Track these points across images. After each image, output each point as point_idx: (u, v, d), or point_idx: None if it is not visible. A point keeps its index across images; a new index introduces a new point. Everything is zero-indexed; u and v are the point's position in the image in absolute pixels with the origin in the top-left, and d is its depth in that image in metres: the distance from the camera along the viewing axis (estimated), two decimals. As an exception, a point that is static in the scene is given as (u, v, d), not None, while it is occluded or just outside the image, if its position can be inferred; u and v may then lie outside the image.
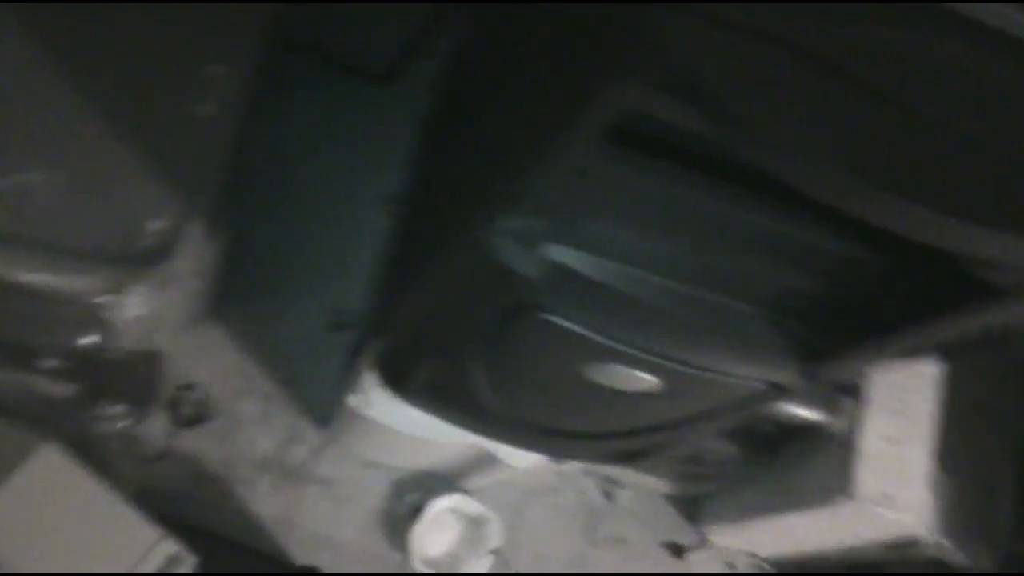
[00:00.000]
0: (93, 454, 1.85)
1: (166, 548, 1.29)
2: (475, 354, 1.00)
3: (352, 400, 1.57)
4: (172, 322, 1.44)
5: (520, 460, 1.68)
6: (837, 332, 0.84)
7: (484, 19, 1.46)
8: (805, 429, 1.69)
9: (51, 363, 1.64)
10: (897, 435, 1.64)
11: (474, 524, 1.99)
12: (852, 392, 1.66)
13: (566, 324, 0.85)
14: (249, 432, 1.96)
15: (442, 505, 1.96)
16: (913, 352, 0.89)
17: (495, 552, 1.96)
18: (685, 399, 0.99)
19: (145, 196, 1.31)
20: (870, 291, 0.79)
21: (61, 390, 1.78)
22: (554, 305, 0.84)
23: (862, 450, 1.62)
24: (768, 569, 2.16)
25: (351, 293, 1.99)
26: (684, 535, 2.15)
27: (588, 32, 0.69)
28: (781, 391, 0.93)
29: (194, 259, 1.37)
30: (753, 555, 2.16)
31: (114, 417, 1.87)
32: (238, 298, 1.96)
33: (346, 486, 1.99)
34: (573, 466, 2.07)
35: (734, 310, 0.84)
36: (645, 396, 0.95)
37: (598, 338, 0.86)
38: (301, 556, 1.90)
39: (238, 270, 1.95)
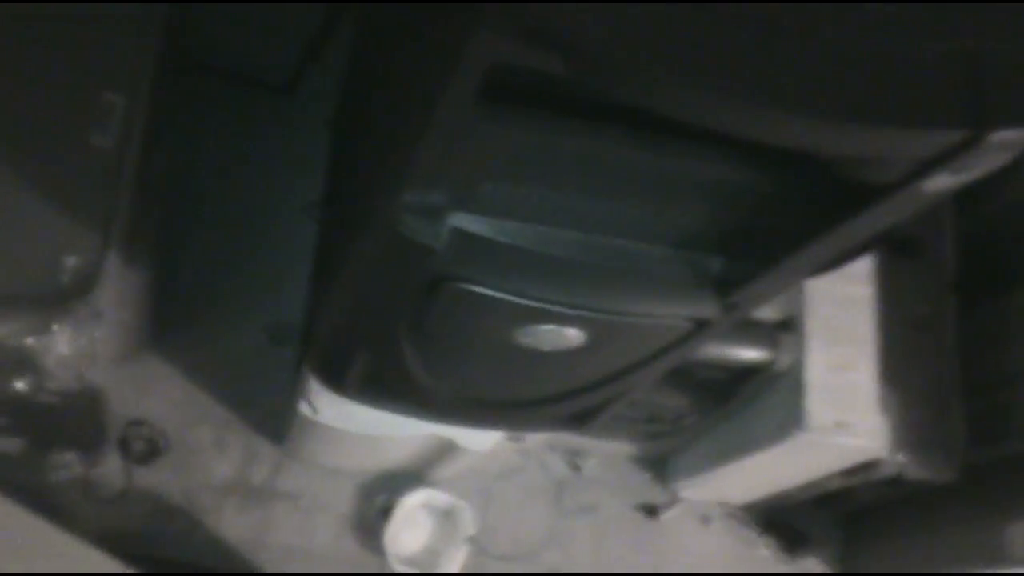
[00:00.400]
0: (52, 503, 1.83)
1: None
2: (404, 337, 1.00)
3: (302, 409, 1.56)
4: (105, 357, 1.41)
5: (479, 443, 1.68)
6: (746, 259, 0.85)
7: (365, 16, 1.46)
8: (752, 370, 1.71)
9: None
10: (842, 362, 1.66)
11: (446, 516, 1.99)
12: (793, 327, 1.69)
13: (481, 290, 0.85)
14: (206, 459, 1.95)
15: (411, 502, 1.96)
16: (823, 267, 0.89)
17: (470, 540, 1.96)
18: (614, 348, 0.99)
19: (57, 233, 1.29)
20: (766, 213, 0.80)
21: (9, 444, 1.75)
22: (467, 273, 0.84)
23: (809, 382, 1.64)
24: (740, 516, 2.18)
25: (288, 304, 1.98)
26: (656, 495, 2.16)
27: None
28: (706, 327, 0.94)
29: (117, 291, 1.35)
30: (725, 504, 2.18)
31: (67, 464, 1.85)
32: (176, 326, 1.94)
33: (313, 497, 1.98)
34: (536, 443, 2.08)
35: (643, 252, 0.84)
36: (575, 352, 0.96)
37: (515, 299, 0.86)
38: (273, 570, 1.89)
39: (171, 297, 1.93)
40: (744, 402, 1.83)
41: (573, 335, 0.92)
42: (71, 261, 1.28)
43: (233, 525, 1.91)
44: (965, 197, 1.57)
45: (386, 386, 1.14)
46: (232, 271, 2.02)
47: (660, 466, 2.18)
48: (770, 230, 0.81)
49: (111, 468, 1.87)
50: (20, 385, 1.29)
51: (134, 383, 1.90)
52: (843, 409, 1.64)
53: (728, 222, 0.83)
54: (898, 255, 1.75)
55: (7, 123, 1.32)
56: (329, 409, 1.47)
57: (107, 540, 1.82)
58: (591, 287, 0.87)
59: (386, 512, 1.95)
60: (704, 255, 0.87)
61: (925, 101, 0.60)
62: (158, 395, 1.93)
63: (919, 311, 1.76)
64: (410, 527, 1.97)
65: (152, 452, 1.91)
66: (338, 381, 1.20)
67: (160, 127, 1.50)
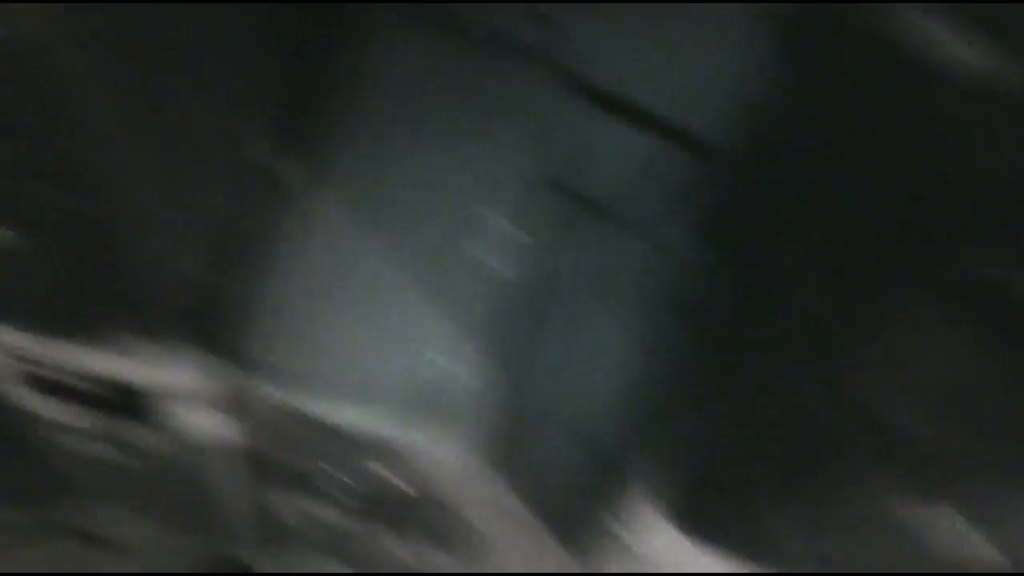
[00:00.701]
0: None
1: None
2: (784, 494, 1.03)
3: (618, 530, 1.61)
4: (459, 465, 1.54)
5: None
6: None
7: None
8: None
9: (342, 494, 1.78)
10: None
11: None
12: None
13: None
14: (501, 556, 2.02)
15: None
16: None
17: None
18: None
19: (442, 342, 1.43)
20: None
21: (351, 523, 1.92)
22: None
23: None
24: None
25: (608, 421, 2.05)
26: None
27: None
28: None
29: (485, 401, 1.47)
30: None
31: (402, 553, 1.98)
32: (504, 431, 2.05)
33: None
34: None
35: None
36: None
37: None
38: None
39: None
40: None
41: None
42: (451, 367, 1.42)
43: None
44: None
45: (748, 538, 1.16)
46: (555, 381, 2.12)
47: None
48: None
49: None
50: (388, 473, 1.44)
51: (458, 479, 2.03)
52: None
53: None
54: None
55: (402, 237, 1.48)
56: (657, 540, 1.51)
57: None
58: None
59: None
60: None
61: None
62: (486, 501, 2.04)
63: None
64: None
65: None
66: (693, 520, 1.24)
67: (537, 248, 1.62)
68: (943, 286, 0.85)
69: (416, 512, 1.67)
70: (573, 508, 2.02)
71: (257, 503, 1.85)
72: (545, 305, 2.13)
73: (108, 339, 1.40)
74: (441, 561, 1.95)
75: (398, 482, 1.46)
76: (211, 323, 1.45)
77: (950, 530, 0.96)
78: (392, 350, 1.43)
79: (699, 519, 1.22)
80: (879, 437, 0.83)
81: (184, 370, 1.44)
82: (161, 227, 1.13)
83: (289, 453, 1.50)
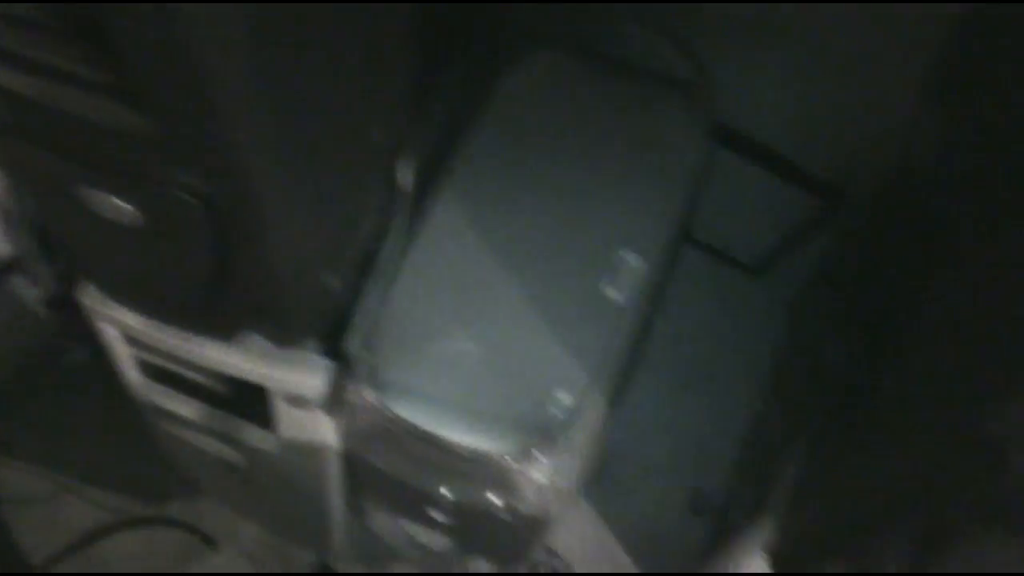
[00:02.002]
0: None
1: None
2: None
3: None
4: (564, 492, 1.51)
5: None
6: None
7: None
8: None
9: (439, 515, 1.77)
10: None
11: None
12: None
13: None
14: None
15: None
16: None
17: None
18: None
19: (555, 368, 1.42)
20: None
21: (440, 542, 1.91)
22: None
23: None
24: None
25: (714, 475, 2.00)
26: None
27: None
28: None
29: (590, 434, 1.45)
30: None
31: (476, 567, 1.98)
32: (607, 470, 2.03)
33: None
34: None
35: None
36: None
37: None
38: None
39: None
40: None
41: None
42: (562, 396, 1.40)
43: None
44: None
45: None
46: (664, 430, 2.09)
47: None
48: None
49: (518, 588, 1.98)
50: (493, 497, 1.42)
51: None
52: None
53: None
54: None
55: (531, 259, 1.48)
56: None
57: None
58: None
59: None
60: None
61: None
62: (574, 532, 2.03)
63: None
64: None
65: (553, 584, 2.00)
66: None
67: (663, 292, 1.61)
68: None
69: (508, 536, 1.65)
70: (666, 550, 1.97)
71: (357, 515, 1.86)
72: (668, 351, 2.10)
73: (231, 334, 1.43)
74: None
75: (498, 506, 1.44)
76: (334, 327, 1.48)
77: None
78: (514, 376, 1.43)
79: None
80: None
81: (303, 371, 1.46)
82: (292, 222, 1.14)
83: (395, 465, 1.49)
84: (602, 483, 2.05)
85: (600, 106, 1.64)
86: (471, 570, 1.95)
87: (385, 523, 1.96)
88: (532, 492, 1.42)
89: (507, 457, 1.40)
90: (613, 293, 1.48)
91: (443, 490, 1.50)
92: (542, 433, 1.39)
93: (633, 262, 1.49)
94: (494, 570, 1.96)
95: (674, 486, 2.04)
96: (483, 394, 1.41)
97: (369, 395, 1.40)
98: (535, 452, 1.40)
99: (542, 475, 1.41)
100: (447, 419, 1.39)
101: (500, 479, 1.42)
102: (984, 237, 1.03)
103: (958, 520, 0.87)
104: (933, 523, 0.92)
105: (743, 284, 2.13)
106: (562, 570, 2.00)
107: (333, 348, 1.46)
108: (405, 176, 1.52)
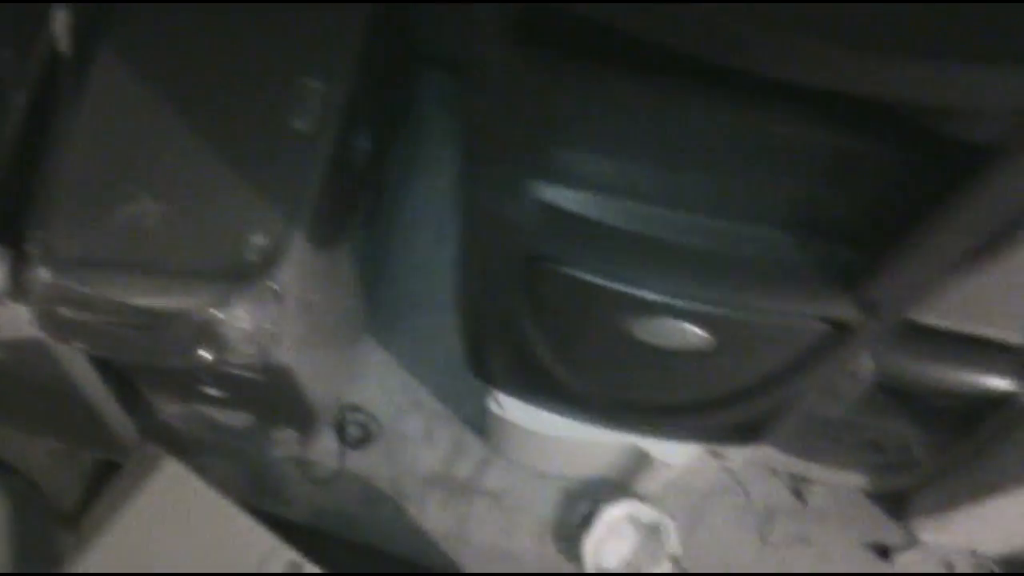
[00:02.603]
0: (269, 479, 1.93)
1: (284, 556, 1.29)
2: (527, 324, 0.94)
3: (491, 406, 1.54)
4: (294, 337, 1.46)
5: (672, 456, 1.58)
6: (873, 247, 0.71)
7: None
8: (995, 402, 1.48)
9: (214, 391, 1.72)
10: (1109, 399, 1.40)
11: (650, 531, 1.89)
12: (1049, 354, 1.44)
13: (581, 274, 0.77)
14: (414, 449, 1.97)
15: (615, 513, 1.88)
16: (965, 259, 0.72)
17: (674, 560, 1.85)
18: (744, 351, 0.87)
19: (247, 212, 1.35)
20: (880, 189, 0.66)
21: (237, 419, 1.87)
22: (559, 253, 0.76)
23: (1065, 419, 1.39)
24: (995, 569, 1.91)
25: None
26: (891, 535, 1.94)
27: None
28: (848, 332, 0.80)
29: (303, 273, 1.38)
30: (975, 553, 1.92)
31: (286, 441, 1.94)
32: (395, 316, 1.98)
33: (516, 497, 1.95)
34: (746, 462, 1.93)
35: (757, 236, 0.72)
36: (703, 353, 0.85)
37: (621, 287, 0.77)
38: (475, 569, 1.88)
39: (392, 289, 1.98)
40: (995, 437, 1.59)
41: (694, 332, 0.81)
42: (257, 239, 1.33)
43: (436, 518, 1.92)
44: None
45: (525, 377, 1.08)
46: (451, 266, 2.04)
47: (898, 503, 1.95)
48: (889, 210, 0.67)
49: (326, 450, 1.95)
50: (203, 353, 1.35)
51: (352, 368, 1.97)
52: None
53: (845, 201, 0.70)
54: None
55: (212, 105, 1.39)
56: (507, 405, 1.43)
57: (319, 519, 1.90)
58: (704, 275, 0.77)
59: (588, 520, 1.88)
60: (827, 242, 0.74)
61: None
62: (375, 382, 1.99)
63: None
64: (612, 539, 1.89)
65: (365, 438, 1.97)
66: (486, 372, 1.16)
67: (365, 115, 1.53)
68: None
69: (273, 394, 1.61)
70: (473, 390, 1.94)
71: (126, 406, 1.80)
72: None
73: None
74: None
75: (209, 360, 1.37)
76: (6, 213, 1.38)
77: None
78: (202, 226, 1.35)
79: (491, 370, 1.13)
80: None
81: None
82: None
83: (103, 345, 1.42)
84: (400, 332, 2.01)
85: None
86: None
87: (176, 412, 1.91)
88: (241, 340, 1.36)
89: (206, 310, 1.33)
90: (299, 124, 1.40)
91: (163, 359, 1.43)
92: (237, 280, 1.33)
93: (316, 86, 1.40)
94: (301, 441, 1.93)
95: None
96: (172, 250, 1.34)
97: (47, 276, 1.32)
98: (234, 300, 1.34)
99: (245, 322, 1.35)
100: (135, 285, 1.32)
101: (207, 334, 1.36)
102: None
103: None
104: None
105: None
106: (371, 425, 1.97)
107: (9, 234, 1.37)
108: (63, 38, 1.41)
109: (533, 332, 0.94)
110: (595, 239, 0.74)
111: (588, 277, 0.77)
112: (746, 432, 1.11)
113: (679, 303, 0.78)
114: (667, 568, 1.85)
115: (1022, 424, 1.50)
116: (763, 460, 1.93)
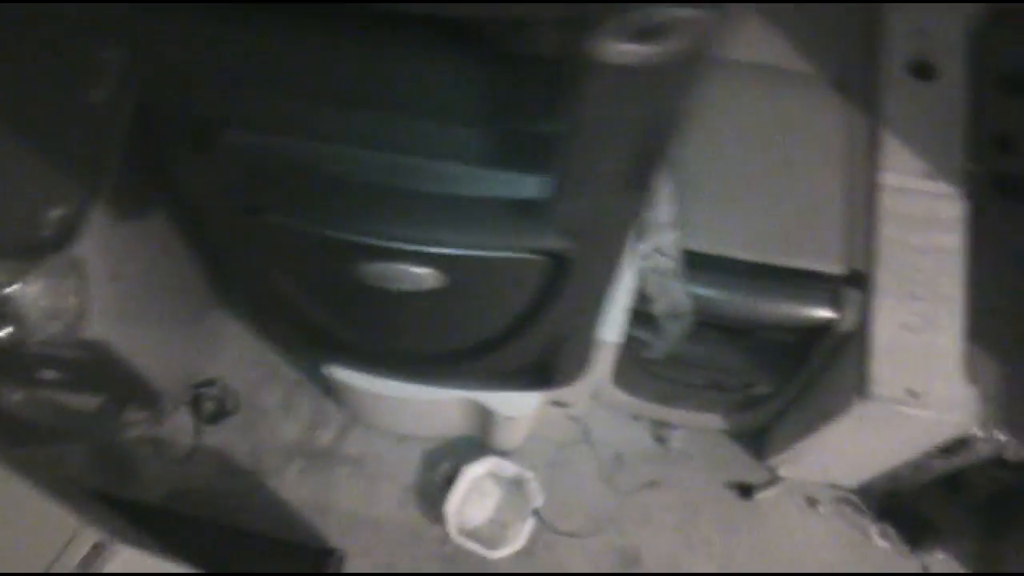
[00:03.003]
0: (124, 463, 1.90)
1: (89, 537, 1.25)
2: (274, 281, 0.92)
3: (323, 368, 1.52)
4: (105, 311, 1.42)
5: (509, 409, 1.57)
6: (551, 173, 0.70)
7: None
8: (817, 331, 1.49)
9: (50, 374, 1.68)
10: (920, 322, 1.42)
11: (514, 486, 1.89)
12: (861, 281, 1.46)
13: (291, 222, 0.76)
14: (273, 420, 1.95)
15: (477, 471, 1.87)
16: (632, 177, 0.71)
17: (536, 512, 1.85)
18: (475, 289, 0.87)
19: (42, 185, 1.31)
20: (531, 117, 0.65)
21: (83, 402, 1.83)
22: (268, 203, 0.74)
23: (876, 344, 1.41)
24: (855, 500, 1.94)
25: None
26: (752, 474, 1.96)
27: None
28: (566, 263, 0.79)
29: (104, 246, 1.35)
30: (835, 487, 1.95)
31: (139, 422, 1.91)
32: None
33: (377, 463, 1.94)
34: (619, 413, 1.94)
35: (451, 174, 0.71)
36: (440, 293, 0.84)
37: (329, 232, 0.76)
38: (338, 538, 1.86)
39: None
40: (822, 366, 1.61)
41: (416, 273, 0.80)
42: (53, 212, 1.30)
43: (296, 488, 1.91)
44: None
45: (311, 339, 1.07)
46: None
47: (759, 442, 1.98)
48: (551, 136, 0.66)
49: (181, 427, 1.92)
50: (10, 331, 1.31)
51: (204, 343, 1.93)
52: (918, 375, 1.39)
53: (517, 132, 0.69)
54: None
55: (4, 78, 1.35)
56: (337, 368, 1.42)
57: (175, 498, 1.87)
58: (401, 213, 0.75)
59: (450, 480, 1.88)
60: (516, 174, 0.73)
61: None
62: (228, 356, 1.96)
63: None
64: (475, 497, 1.89)
65: (221, 411, 1.94)
66: (274, 335, 1.14)
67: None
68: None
69: (102, 372, 1.58)
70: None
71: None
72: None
73: None
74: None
75: (16, 339, 1.34)
76: None
77: None
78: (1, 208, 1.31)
79: (274, 333, 1.10)
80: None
81: None
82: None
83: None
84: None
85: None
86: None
87: (20, 399, 1.86)
88: (42, 317, 1.33)
89: (1, 289, 1.30)
90: (95, 95, 1.37)
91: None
92: (32, 254, 1.29)
93: (112, 57, 1.37)
94: (153, 420, 1.90)
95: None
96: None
97: None
98: (31, 276, 1.30)
99: (43, 298, 1.31)
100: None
101: (5, 312, 1.32)
102: None
103: None
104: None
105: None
106: (228, 399, 1.94)
107: None
108: None
109: (285, 288, 0.92)
110: (292, 183, 0.72)
111: (297, 225, 0.75)
112: (537, 377, 1.11)
113: (391, 244, 0.77)
114: (531, 522, 1.85)
115: (844, 351, 1.51)
116: (625, 408, 1.94)
